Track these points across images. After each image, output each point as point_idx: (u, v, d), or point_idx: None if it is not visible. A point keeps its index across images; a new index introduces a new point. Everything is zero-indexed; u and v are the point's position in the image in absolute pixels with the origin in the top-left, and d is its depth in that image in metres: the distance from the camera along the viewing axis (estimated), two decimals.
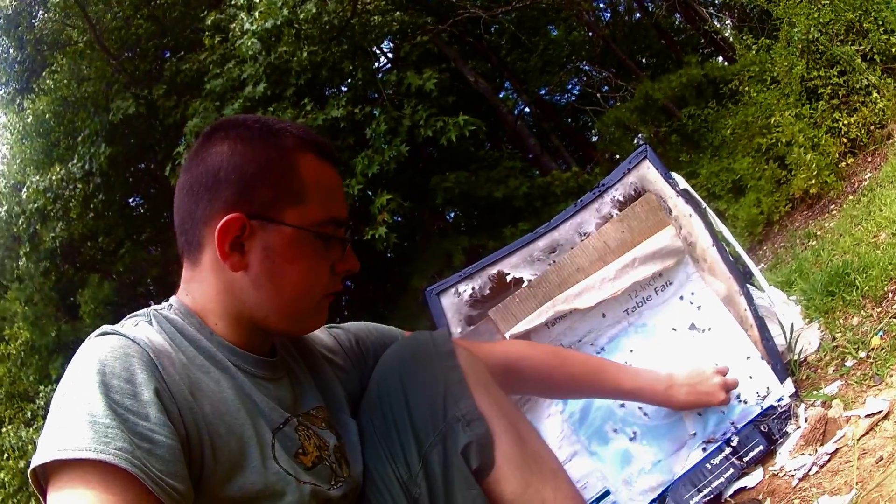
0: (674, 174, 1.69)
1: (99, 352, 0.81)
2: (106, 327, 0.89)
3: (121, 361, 0.80)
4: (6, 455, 10.88)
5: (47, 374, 9.92)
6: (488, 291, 1.42)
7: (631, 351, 1.58)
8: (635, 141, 8.75)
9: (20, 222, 8.98)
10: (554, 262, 1.56)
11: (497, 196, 6.89)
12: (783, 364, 1.47)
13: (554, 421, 1.43)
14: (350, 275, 1.02)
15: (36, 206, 8.71)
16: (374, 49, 7.60)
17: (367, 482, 1.04)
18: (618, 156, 9.33)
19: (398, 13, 7.32)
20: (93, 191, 8.84)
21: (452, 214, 8.43)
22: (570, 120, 12.42)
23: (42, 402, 10.19)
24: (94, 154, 8.33)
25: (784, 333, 1.59)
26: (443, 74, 6.13)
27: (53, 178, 8.61)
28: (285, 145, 0.95)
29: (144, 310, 0.98)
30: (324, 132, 6.09)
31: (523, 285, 1.45)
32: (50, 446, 0.72)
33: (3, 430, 11.02)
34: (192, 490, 0.78)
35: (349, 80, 6.91)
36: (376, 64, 7.52)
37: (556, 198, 7.47)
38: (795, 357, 1.59)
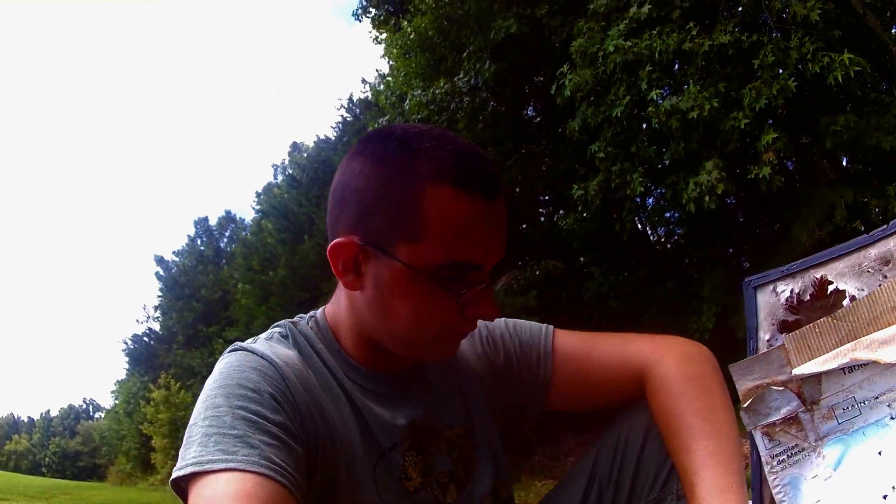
0: None
1: (228, 367, 1.04)
2: (237, 344, 1.12)
3: (246, 374, 1.02)
4: None
5: None
6: (808, 298, 1.33)
7: None
8: None
9: None
10: (885, 278, 1.38)
11: (884, 147, 6.95)
12: None
13: (814, 486, 1.37)
14: (488, 321, 1.20)
15: (419, 117, 10.80)
16: None
17: (562, 497, 1.31)
18: None
19: None
20: (480, 104, 10.80)
21: (845, 161, 8.56)
22: None
23: None
24: (480, 70, 10.15)
25: None
26: (827, 4, 6.50)
27: (437, 91, 10.66)
28: (414, 172, 1.03)
29: (283, 321, 1.23)
30: (710, 59, 7.01)
31: (844, 303, 1.34)
32: (186, 460, 0.92)
33: None
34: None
35: (736, 4, 7.49)
36: None
37: None
38: None
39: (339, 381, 1.16)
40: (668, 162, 7.87)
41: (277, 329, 1.21)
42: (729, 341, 7.98)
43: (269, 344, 1.13)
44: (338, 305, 1.21)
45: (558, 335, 1.37)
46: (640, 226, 11.46)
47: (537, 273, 11.74)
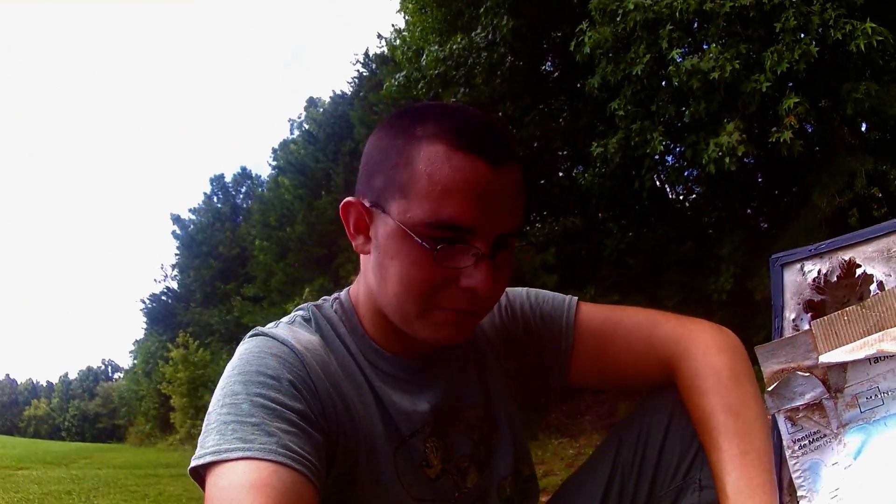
0: None
1: (247, 353, 1.04)
2: (258, 329, 1.13)
3: (266, 360, 1.02)
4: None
5: None
6: (835, 279, 1.33)
7: None
8: None
9: (419, 86, 11.26)
10: None
11: None
12: None
13: (834, 473, 1.36)
14: (483, 294, 1.05)
15: (436, 72, 10.96)
16: None
17: (579, 490, 1.32)
18: None
19: None
20: (498, 59, 10.80)
21: (865, 128, 8.54)
22: None
23: None
24: (498, 25, 10.14)
25: None
26: None
27: (454, 47, 10.67)
28: (415, 133, 1.04)
29: (307, 304, 1.23)
30: (731, 20, 6.97)
31: (871, 288, 1.34)
32: (204, 448, 0.92)
33: None
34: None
35: None
36: None
37: None
38: None
39: (361, 366, 1.16)
40: (687, 121, 7.87)
41: (300, 312, 1.21)
42: (747, 303, 8.06)
43: (290, 328, 1.14)
44: (359, 282, 1.21)
45: (582, 308, 1.35)
46: (658, 183, 11.48)
47: (556, 229, 11.76)
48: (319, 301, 1.26)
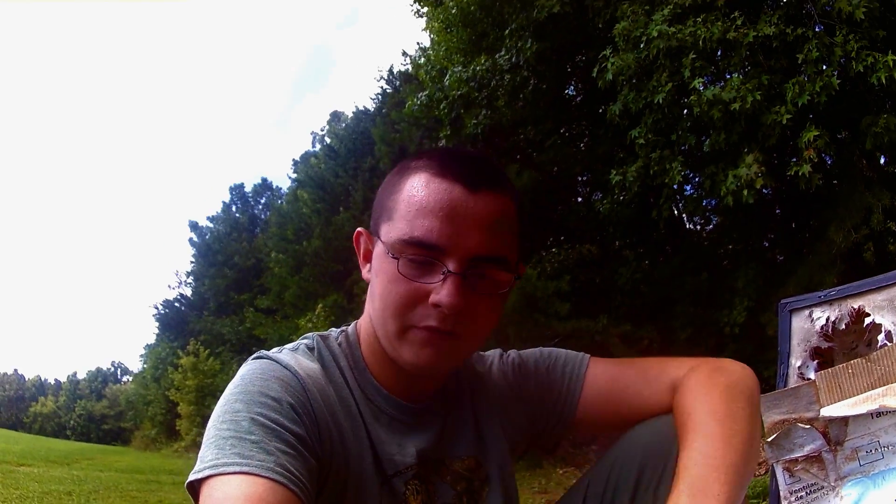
0: None
1: (251, 374, 1.07)
2: (261, 352, 1.16)
3: (269, 382, 1.05)
4: None
5: None
6: (844, 326, 1.32)
7: None
8: None
9: (441, 107, 11.20)
10: None
11: None
12: None
13: None
14: (448, 311, 1.07)
15: (459, 93, 10.91)
16: None
17: None
18: None
19: None
20: (521, 82, 10.79)
21: (884, 162, 8.48)
22: None
23: None
24: (522, 48, 10.12)
25: None
26: (872, 3, 6.41)
27: (478, 68, 10.65)
28: (408, 167, 1.15)
29: (312, 334, 1.26)
30: (754, 51, 7.00)
31: (879, 338, 1.33)
32: (203, 462, 0.94)
33: None
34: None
35: None
36: None
37: None
38: None
39: (357, 400, 1.19)
40: (707, 151, 7.85)
41: (305, 341, 1.25)
42: (759, 337, 7.98)
43: (293, 355, 1.17)
44: (364, 313, 1.25)
45: (594, 360, 1.36)
46: (676, 213, 11.46)
47: (571, 256, 11.73)
48: (326, 332, 1.29)
